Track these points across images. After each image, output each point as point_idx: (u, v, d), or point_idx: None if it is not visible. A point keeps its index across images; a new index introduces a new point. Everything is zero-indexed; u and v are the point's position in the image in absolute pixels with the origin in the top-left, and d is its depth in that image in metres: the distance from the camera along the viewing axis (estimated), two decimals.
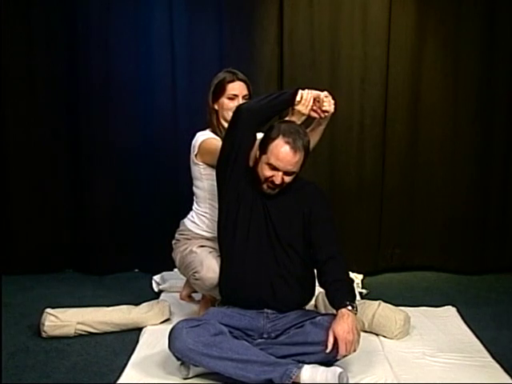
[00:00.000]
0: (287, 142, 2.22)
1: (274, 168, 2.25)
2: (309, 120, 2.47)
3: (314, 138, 2.55)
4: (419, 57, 3.54)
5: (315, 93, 2.38)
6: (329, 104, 2.40)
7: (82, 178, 3.58)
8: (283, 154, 2.22)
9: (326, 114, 2.42)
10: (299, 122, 2.38)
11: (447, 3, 3.50)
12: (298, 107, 2.35)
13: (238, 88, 2.61)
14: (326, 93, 2.41)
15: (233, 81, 2.62)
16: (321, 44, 3.48)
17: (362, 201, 3.61)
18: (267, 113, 2.34)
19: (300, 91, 2.35)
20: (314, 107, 2.39)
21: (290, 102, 2.35)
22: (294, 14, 3.44)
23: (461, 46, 3.51)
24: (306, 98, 2.35)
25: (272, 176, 2.26)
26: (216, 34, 3.46)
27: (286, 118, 2.41)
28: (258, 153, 2.32)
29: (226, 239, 2.40)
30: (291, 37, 3.46)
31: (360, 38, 3.46)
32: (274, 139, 2.24)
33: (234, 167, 2.34)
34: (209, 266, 2.48)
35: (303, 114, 2.38)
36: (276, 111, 2.41)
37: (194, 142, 2.66)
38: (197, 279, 2.52)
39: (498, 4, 3.48)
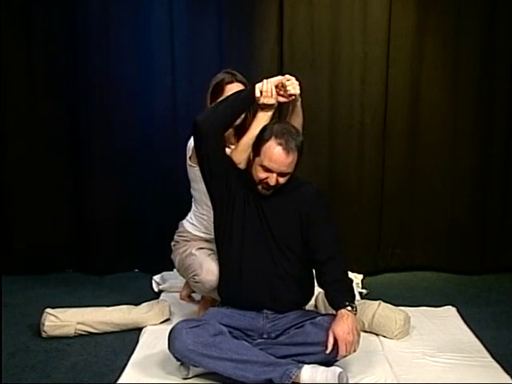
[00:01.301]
0: (280, 144, 2.22)
1: (267, 170, 2.24)
2: (284, 105, 2.45)
3: (298, 120, 2.52)
4: (419, 57, 3.54)
5: (275, 80, 2.35)
6: (292, 87, 2.36)
7: (81, 177, 3.59)
8: (276, 155, 2.22)
9: (293, 96, 2.40)
10: (272, 112, 2.36)
11: (447, 3, 3.50)
12: (262, 100, 2.33)
13: (236, 89, 2.60)
14: (287, 76, 2.38)
15: (231, 82, 2.60)
16: (321, 44, 3.47)
17: (362, 201, 3.61)
18: (226, 117, 2.32)
19: (257, 86, 2.32)
20: (281, 92, 2.37)
21: (251, 100, 2.33)
22: (294, 14, 3.44)
23: (461, 45, 3.51)
24: (266, 90, 2.31)
25: (266, 178, 2.25)
26: (216, 34, 3.46)
27: (259, 113, 2.36)
28: (251, 155, 2.32)
29: (222, 242, 2.39)
30: (291, 37, 3.46)
31: (360, 37, 3.46)
32: (266, 141, 2.24)
33: (211, 177, 2.33)
34: (208, 269, 2.47)
35: (271, 105, 2.36)
36: (237, 112, 2.37)
37: (188, 143, 2.62)
38: (196, 282, 2.52)
39: (498, 4, 3.48)
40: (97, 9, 3.41)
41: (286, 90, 2.36)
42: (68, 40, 3.46)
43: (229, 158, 2.37)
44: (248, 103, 2.35)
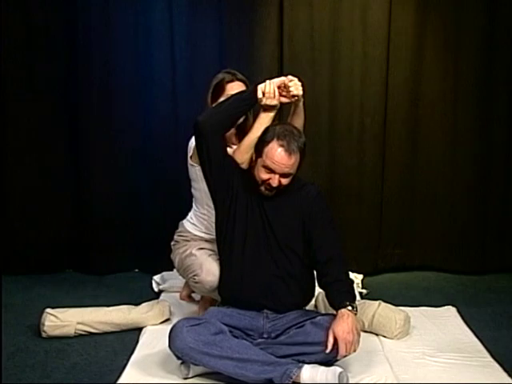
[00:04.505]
0: (282, 145, 2.22)
1: (270, 171, 2.25)
2: (287, 106, 2.45)
3: (299, 121, 2.52)
4: (419, 57, 3.53)
5: (278, 80, 2.35)
6: (295, 87, 2.35)
7: (82, 178, 3.58)
8: (278, 157, 2.22)
9: (296, 97, 2.39)
10: (274, 113, 2.36)
11: (447, 3, 3.49)
12: (265, 102, 2.33)
13: (236, 88, 2.59)
14: (290, 77, 2.37)
15: (232, 81, 2.60)
16: (321, 44, 3.48)
17: (362, 201, 3.61)
18: (228, 118, 2.32)
19: (259, 86, 2.32)
20: (283, 93, 2.36)
21: (253, 100, 2.33)
22: (294, 13, 3.44)
23: (461, 46, 3.51)
24: (268, 91, 2.31)
25: (269, 179, 2.26)
26: (216, 34, 3.46)
27: (261, 114, 2.37)
28: (254, 156, 2.32)
29: (224, 242, 2.40)
30: (291, 37, 3.46)
31: (360, 37, 3.46)
32: (268, 142, 2.24)
33: (213, 176, 2.34)
34: (208, 269, 2.48)
35: (274, 106, 2.35)
36: (238, 113, 2.37)
37: (190, 143, 2.63)
38: (196, 282, 2.52)
39: (499, 4, 3.48)
40: (97, 9, 3.41)
41: (288, 91, 2.35)
42: (68, 40, 3.46)
43: (232, 158, 2.38)
44: (250, 104, 2.35)
